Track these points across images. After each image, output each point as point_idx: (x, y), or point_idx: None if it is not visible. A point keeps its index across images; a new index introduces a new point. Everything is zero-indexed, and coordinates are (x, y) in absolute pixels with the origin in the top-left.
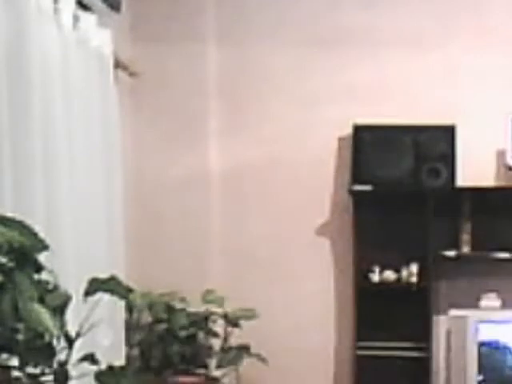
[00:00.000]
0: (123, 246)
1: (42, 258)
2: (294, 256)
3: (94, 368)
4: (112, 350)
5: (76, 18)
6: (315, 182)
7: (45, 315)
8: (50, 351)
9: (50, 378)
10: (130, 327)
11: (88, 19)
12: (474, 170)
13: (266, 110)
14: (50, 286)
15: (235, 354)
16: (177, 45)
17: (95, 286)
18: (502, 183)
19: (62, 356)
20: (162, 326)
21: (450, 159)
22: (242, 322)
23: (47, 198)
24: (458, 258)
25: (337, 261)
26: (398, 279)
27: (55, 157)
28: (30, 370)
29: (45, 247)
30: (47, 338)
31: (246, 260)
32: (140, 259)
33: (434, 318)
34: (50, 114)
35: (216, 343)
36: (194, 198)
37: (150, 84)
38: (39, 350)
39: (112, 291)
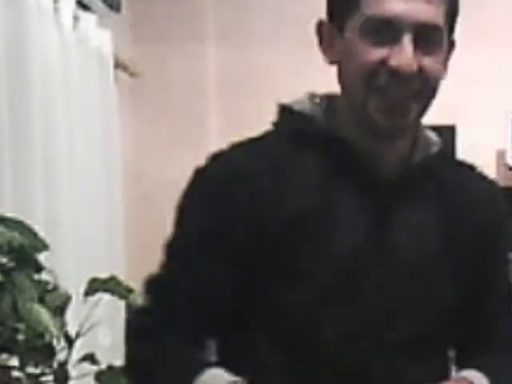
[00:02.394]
0: (123, 245)
1: (42, 258)
2: None
3: (94, 368)
4: (112, 350)
5: (76, 18)
6: None
7: (45, 315)
8: (50, 351)
9: (50, 377)
10: None
11: (88, 19)
12: None
13: (266, 110)
14: (50, 286)
15: None
16: (177, 45)
17: (95, 286)
18: (502, 183)
19: (61, 356)
20: None
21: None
22: None
23: (47, 198)
24: None
25: None
26: None
27: (55, 157)
28: (30, 369)
29: (45, 247)
30: (47, 338)
31: None
32: (140, 259)
33: None
34: (50, 113)
35: None
36: None
37: (150, 84)
38: (39, 350)
39: (112, 291)
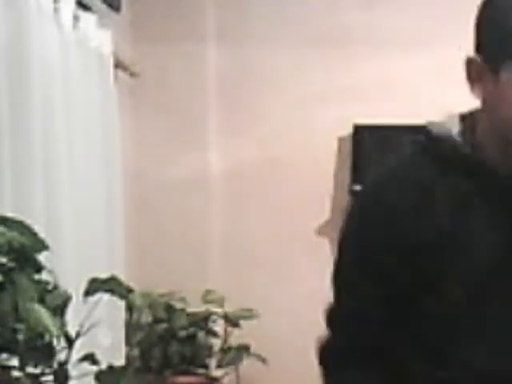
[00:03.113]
0: (123, 245)
1: (42, 258)
2: (294, 256)
3: (94, 368)
4: (112, 350)
5: (76, 18)
6: (315, 182)
7: (45, 315)
8: (50, 351)
9: (50, 378)
10: (130, 327)
11: (88, 19)
12: None
13: (266, 109)
14: (50, 286)
15: (235, 354)
16: (177, 45)
17: (95, 286)
18: None
19: (62, 356)
20: (162, 326)
21: None
22: (242, 322)
23: (47, 198)
24: None
25: None
26: None
27: (55, 157)
28: (30, 369)
29: (45, 247)
30: (47, 338)
31: (246, 260)
32: (140, 259)
33: None
34: (50, 114)
35: (216, 343)
36: (193, 198)
37: (150, 84)
38: (39, 349)
39: (112, 291)
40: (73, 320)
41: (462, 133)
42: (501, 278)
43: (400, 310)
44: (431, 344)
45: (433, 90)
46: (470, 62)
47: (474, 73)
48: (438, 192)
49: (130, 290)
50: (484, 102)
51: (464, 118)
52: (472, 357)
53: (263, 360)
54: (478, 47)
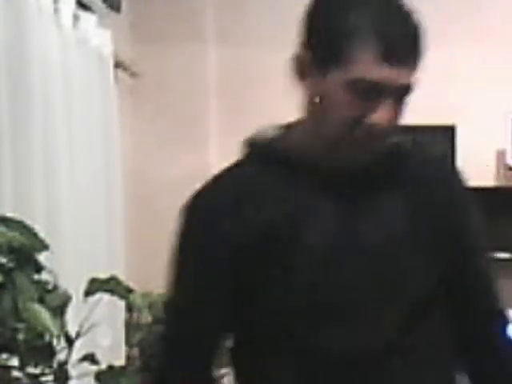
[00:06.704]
0: (123, 245)
1: (41, 258)
2: None
3: (94, 368)
4: (112, 350)
5: (76, 18)
6: None
7: (45, 315)
8: (50, 351)
9: (50, 378)
10: (130, 327)
11: (88, 19)
12: (473, 170)
13: (266, 110)
14: (50, 286)
15: None
16: (177, 45)
17: (95, 286)
18: (502, 183)
19: (61, 356)
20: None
21: (449, 159)
22: None
23: (47, 198)
24: None
25: None
26: None
27: (55, 157)
28: (30, 370)
29: (45, 247)
30: (47, 338)
31: None
32: (140, 259)
33: None
34: (50, 114)
35: None
36: None
37: (150, 84)
38: (39, 349)
39: (112, 291)
40: (73, 320)
41: (283, 135)
42: (333, 265)
43: (240, 308)
44: (268, 336)
45: (432, 90)
46: (297, 58)
47: (301, 69)
48: (263, 188)
49: (130, 290)
50: (309, 99)
51: (283, 126)
52: (318, 343)
53: None
54: (307, 44)
